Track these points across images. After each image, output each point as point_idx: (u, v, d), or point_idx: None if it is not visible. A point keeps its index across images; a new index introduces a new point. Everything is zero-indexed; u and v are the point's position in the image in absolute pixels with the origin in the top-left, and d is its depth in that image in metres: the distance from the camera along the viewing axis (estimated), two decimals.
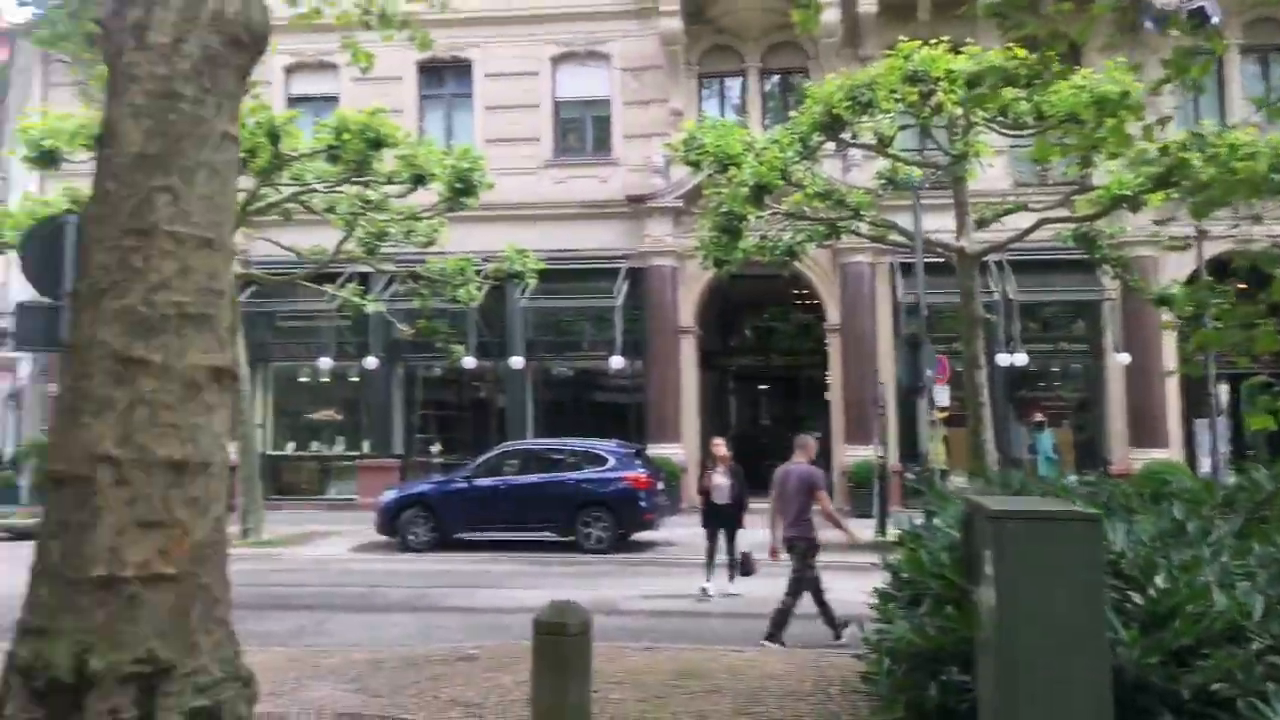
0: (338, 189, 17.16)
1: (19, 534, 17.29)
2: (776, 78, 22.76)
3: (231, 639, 4.95)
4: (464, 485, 15.74)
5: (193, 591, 4.73)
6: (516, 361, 21.02)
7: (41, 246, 6.97)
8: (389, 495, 16.12)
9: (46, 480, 4.86)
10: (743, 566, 10.63)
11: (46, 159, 14.90)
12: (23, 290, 25.55)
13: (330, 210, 17.38)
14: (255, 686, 5.03)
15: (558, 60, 22.38)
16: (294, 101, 21.77)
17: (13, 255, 27.40)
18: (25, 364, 24.77)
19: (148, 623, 4.56)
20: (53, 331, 6.98)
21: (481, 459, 16.55)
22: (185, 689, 4.54)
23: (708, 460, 12.78)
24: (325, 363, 20.70)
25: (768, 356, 25.15)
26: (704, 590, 11.49)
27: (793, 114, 16.56)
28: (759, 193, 14.75)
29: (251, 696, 4.95)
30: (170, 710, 4.46)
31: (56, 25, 10.01)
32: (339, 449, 22.22)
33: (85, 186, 16.97)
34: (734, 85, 22.78)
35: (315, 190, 17.05)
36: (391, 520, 15.56)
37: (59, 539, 4.64)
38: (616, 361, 20.48)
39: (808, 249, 16.90)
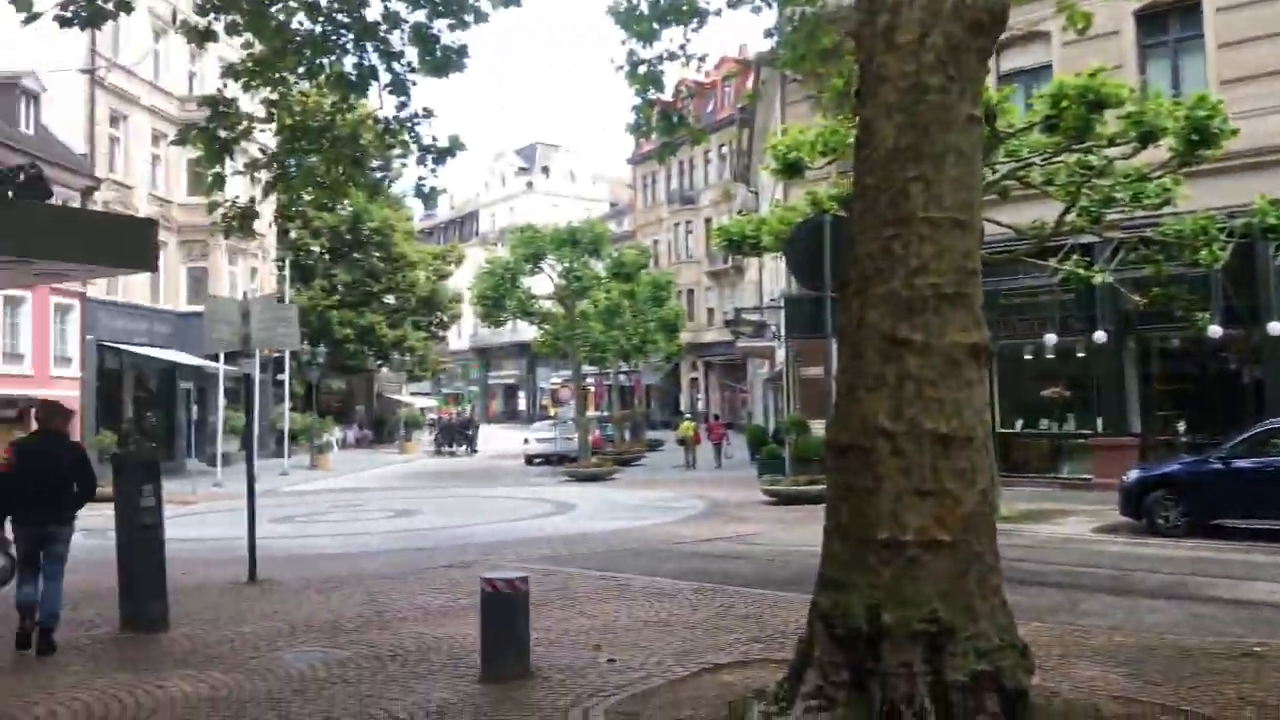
0: (1056, 160, 16.56)
1: (784, 499, 19.75)
2: None
3: (1005, 609, 5.06)
4: (1220, 466, 14.13)
5: (967, 558, 4.94)
6: (1275, 327, 18.26)
7: (804, 245, 7.81)
8: (1132, 475, 15.14)
9: (829, 449, 5.46)
10: None
11: (791, 169, 16.76)
12: (770, 289, 29.07)
13: (1049, 182, 16.83)
14: (1031, 657, 5.07)
15: None
16: (1004, 78, 21.55)
17: (767, 258, 31.53)
18: (781, 351, 28.24)
19: (929, 584, 4.88)
20: (817, 320, 7.79)
21: (1241, 437, 14.70)
22: (968, 651, 4.76)
23: None
24: (1050, 339, 20.21)
25: None
26: None
27: None
28: None
29: (1029, 666, 5.00)
30: (956, 670, 4.71)
31: (796, 48, 11.12)
32: (1069, 427, 21.51)
33: (823, 190, 18.59)
34: None
35: (1033, 164, 16.67)
36: (1136, 501, 14.60)
37: (845, 502, 5.19)
38: None
39: None
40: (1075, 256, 18.10)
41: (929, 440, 4.98)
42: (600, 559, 12.76)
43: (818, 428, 23.90)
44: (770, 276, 35.71)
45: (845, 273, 8.02)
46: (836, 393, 5.38)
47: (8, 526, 7.99)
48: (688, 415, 45.56)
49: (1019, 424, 22.16)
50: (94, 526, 15.96)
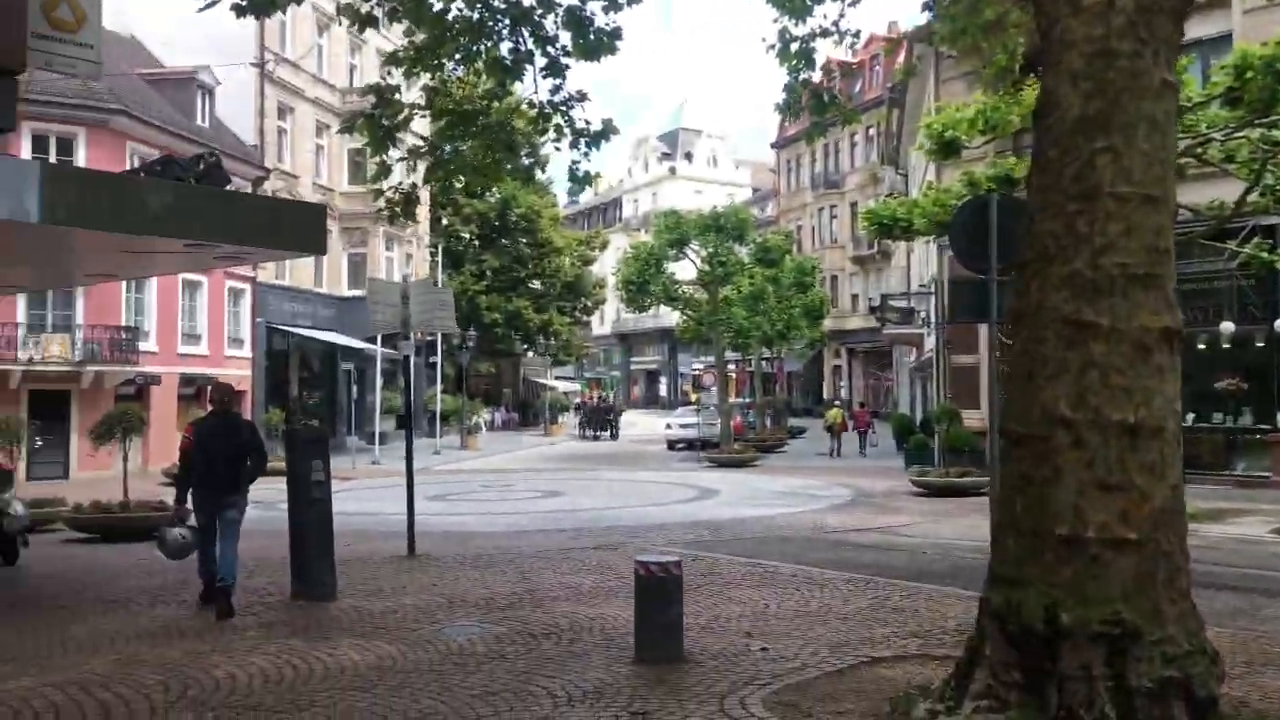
0: (1238, 135, 15.46)
1: (934, 490, 19.20)
2: None
3: (1195, 612, 4.73)
4: None
5: (1155, 557, 4.63)
6: None
7: (968, 225, 7.50)
8: None
9: (1002, 438, 5.21)
10: None
11: (947, 149, 16.17)
12: (920, 274, 28.16)
13: (1229, 160, 15.73)
14: (1221, 664, 4.73)
15: None
16: (1180, 49, 20.27)
17: (917, 243, 30.65)
18: (931, 338, 27.46)
19: (1112, 584, 4.59)
20: (981, 304, 7.46)
21: None
22: (1154, 656, 4.46)
23: None
24: (1228, 327, 18.95)
25: None
26: None
27: None
28: None
29: (1220, 674, 4.67)
30: (1141, 676, 4.42)
31: (956, 21, 10.67)
32: (1246, 421, 20.15)
33: (980, 170, 17.86)
34: None
35: (1212, 140, 15.61)
36: None
37: (1021, 494, 4.93)
38: None
39: None
40: (1257, 239, 16.92)
41: (1115, 431, 4.69)
42: (747, 545, 12.66)
43: (970, 418, 23.16)
44: (920, 261, 34.73)
45: (1013, 254, 7.71)
46: (1011, 380, 5.12)
47: (189, 501, 8.62)
48: (836, 402, 44.89)
49: (1190, 417, 20.89)
50: (264, 499, 16.82)
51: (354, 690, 5.93)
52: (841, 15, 9.92)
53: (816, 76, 11.14)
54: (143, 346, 26.81)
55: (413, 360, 14.77)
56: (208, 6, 7.26)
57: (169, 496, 9.37)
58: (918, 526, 14.87)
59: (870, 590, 9.30)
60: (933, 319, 25.15)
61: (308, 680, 6.17)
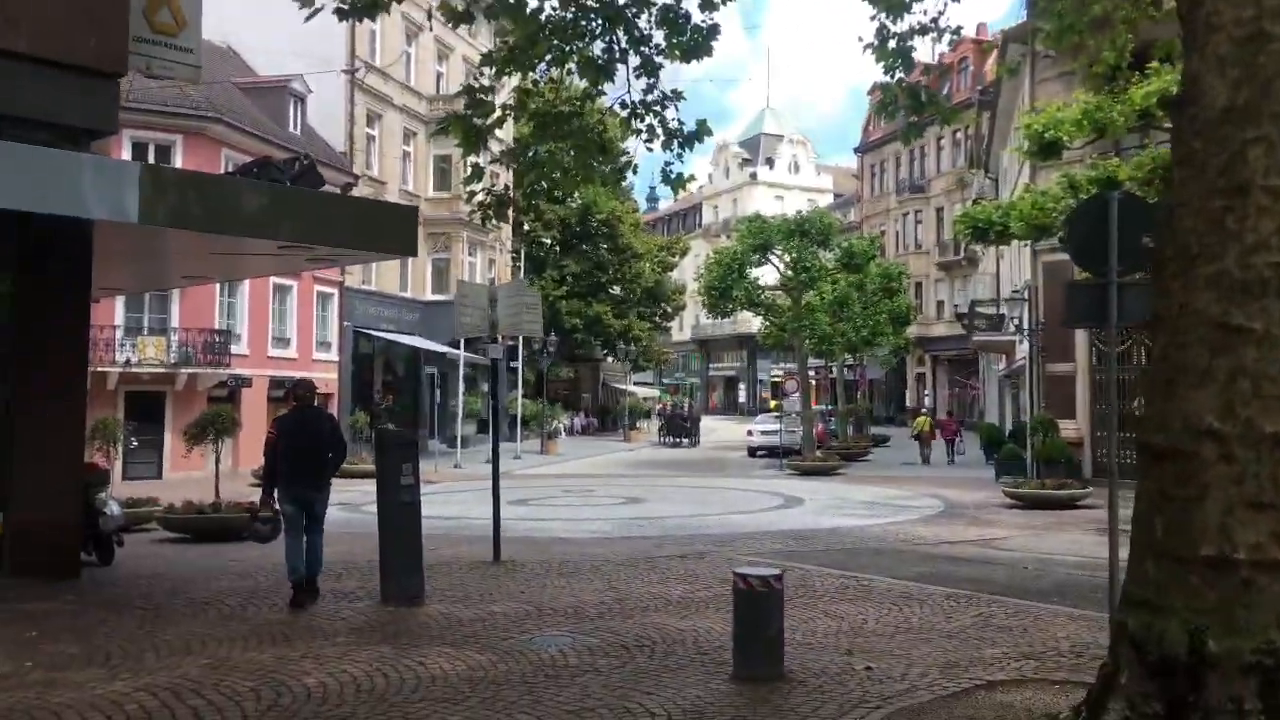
0: None
1: (1028, 502, 18.52)
2: None
3: None
4: None
5: None
6: None
7: (1087, 226, 7.10)
8: None
9: (1139, 452, 4.83)
10: None
11: (1048, 150, 15.64)
12: (1012, 278, 27.34)
13: None
14: None
15: None
16: None
17: (1006, 248, 29.82)
18: (1023, 345, 26.63)
19: (1265, 610, 4.20)
20: (1100, 308, 7.06)
21: None
22: None
23: None
24: None
25: None
26: None
27: None
28: None
29: None
30: None
31: (1063, 18, 10.22)
32: None
33: (1080, 172, 17.26)
34: None
35: None
36: None
37: (1161, 514, 4.55)
38: None
39: None
40: None
41: (1268, 444, 4.30)
42: (837, 557, 12.31)
43: (1066, 428, 22.37)
44: (1010, 267, 33.80)
45: (1134, 256, 7.28)
46: (1151, 388, 4.76)
47: (275, 494, 8.76)
48: (924, 410, 44.01)
49: None
50: (351, 500, 17.01)
51: (445, 702, 5.79)
52: (941, 12, 9.55)
53: (913, 76, 10.80)
54: (234, 349, 27.41)
55: (505, 363, 14.71)
56: (312, 14, 7.22)
57: (258, 497, 9.44)
58: (1015, 540, 14.33)
59: (972, 607, 8.91)
60: (1025, 325, 24.36)
61: (399, 690, 6.05)
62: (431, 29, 33.30)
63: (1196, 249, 4.52)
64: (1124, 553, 6.81)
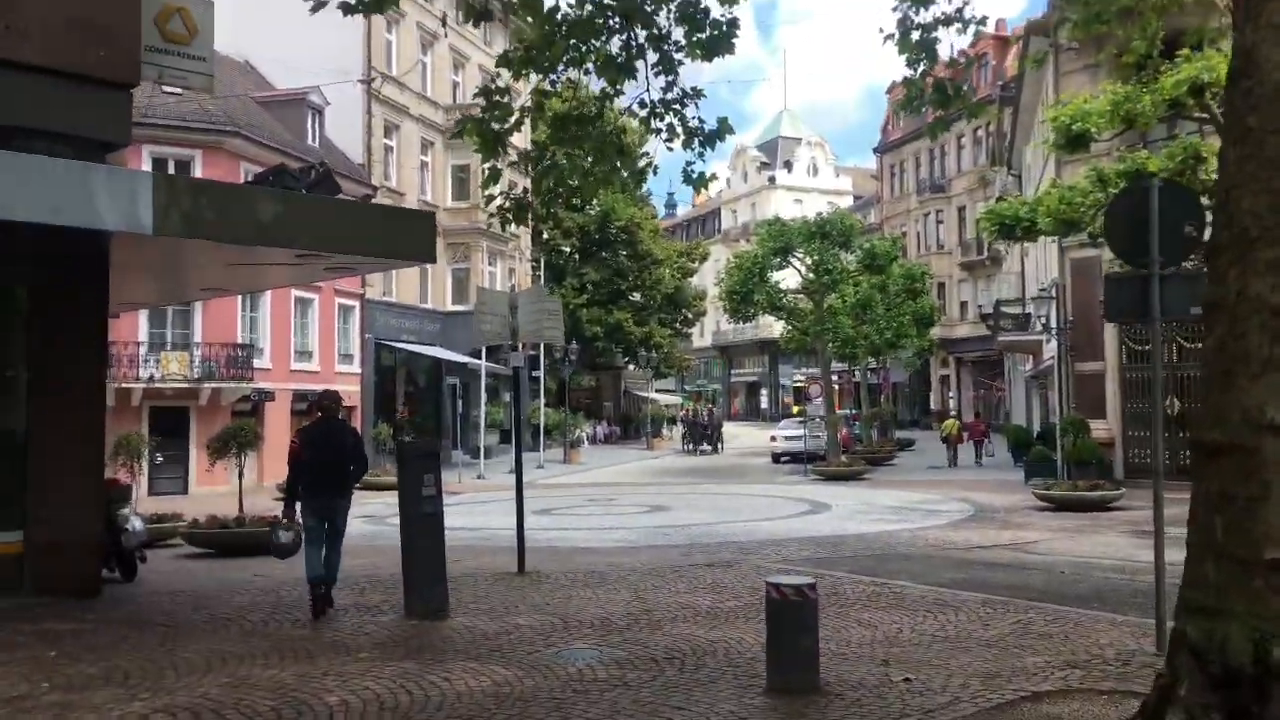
0: None
1: (1060, 504, 18.17)
2: None
3: None
4: None
5: None
6: None
7: (1127, 216, 6.85)
8: None
9: (1194, 449, 4.59)
10: None
11: (1076, 142, 15.34)
12: (1038, 277, 27.01)
13: None
14: None
15: None
16: None
17: (1030, 246, 29.43)
18: (1051, 344, 26.23)
19: None
20: (1143, 301, 6.80)
21: None
22: None
23: None
24: None
25: None
26: None
27: None
28: None
29: None
30: None
31: (1091, 7, 9.96)
32: None
33: (1109, 165, 16.90)
34: None
35: None
36: None
37: (1220, 514, 4.30)
38: None
39: None
40: None
41: None
42: (867, 563, 12.05)
43: (1097, 428, 21.98)
44: (1036, 265, 33.38)
45: (1176, 246, 7.02)
46: (1207, 380, 4.51)
47: (297, 505, 8.69)
48: (953, 413, 43.58)
49: None
50: (375, 513, 16.87)
51: None
52: (966, 2, 9.32)
53: (934, 70, 10.57)
54: (257, 364, 27.38)
55: (527, 372, 14.55)
56: (318, 7, 7.09)
57: (281, 510, 9.32)
58: (1049, 543, 14.01)
59: (1009, 613, 8.64)
60: (1053, 324, 23.98)
61: (423, 708, 5.86)
62: (446, 35, 33.27)
63: (1256, 232, 4.28)
64: (1170, 555, 6.58)
